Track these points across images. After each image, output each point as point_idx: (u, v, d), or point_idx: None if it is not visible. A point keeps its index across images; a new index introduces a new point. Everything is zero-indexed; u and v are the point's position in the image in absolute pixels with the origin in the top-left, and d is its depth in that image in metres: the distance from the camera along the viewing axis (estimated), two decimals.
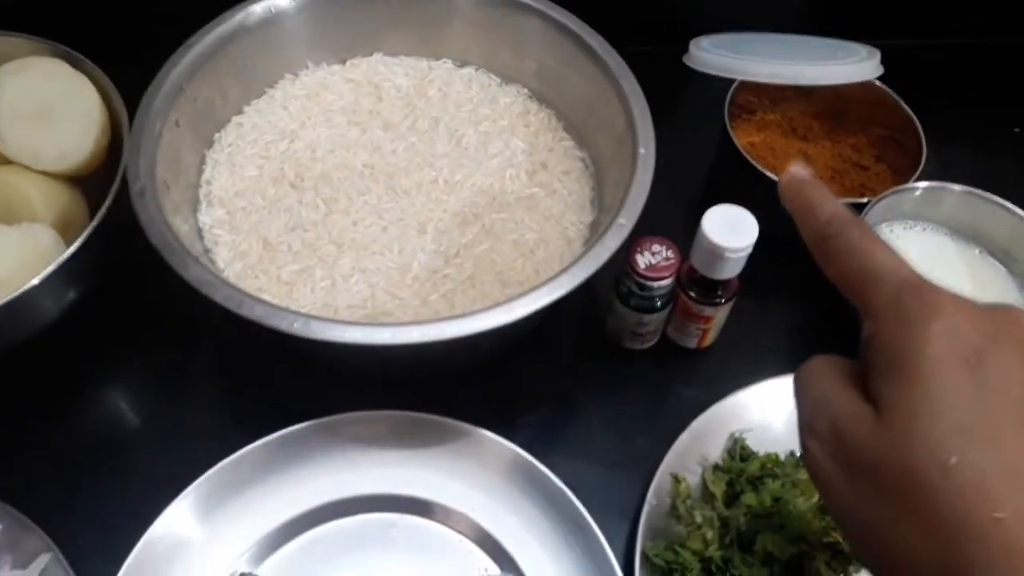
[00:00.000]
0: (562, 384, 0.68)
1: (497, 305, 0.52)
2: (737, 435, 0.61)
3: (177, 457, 0.58)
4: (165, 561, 0.54)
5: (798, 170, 0.37)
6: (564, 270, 0.54)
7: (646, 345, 0.68)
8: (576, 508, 0.56)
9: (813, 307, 0.73)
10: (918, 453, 0.28)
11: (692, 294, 0.63)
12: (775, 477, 0.58)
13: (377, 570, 0.56)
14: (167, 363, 0.67)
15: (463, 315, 0.51)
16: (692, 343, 0.68)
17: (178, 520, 0.55)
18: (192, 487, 0.55)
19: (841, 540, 0.55)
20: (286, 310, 0.51)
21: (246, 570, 0.55)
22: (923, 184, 0.68)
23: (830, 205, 0.35)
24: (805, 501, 0.55)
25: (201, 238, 0.63)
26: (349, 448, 0.59)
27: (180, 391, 0.65)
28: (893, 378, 0.30)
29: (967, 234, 0.71)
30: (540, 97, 0.72)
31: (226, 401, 0.66)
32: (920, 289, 0.31)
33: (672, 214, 0.65)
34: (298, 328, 0.50)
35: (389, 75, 0.73)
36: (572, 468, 0.61)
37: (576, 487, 0.58)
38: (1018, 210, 0.67)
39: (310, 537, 0.57)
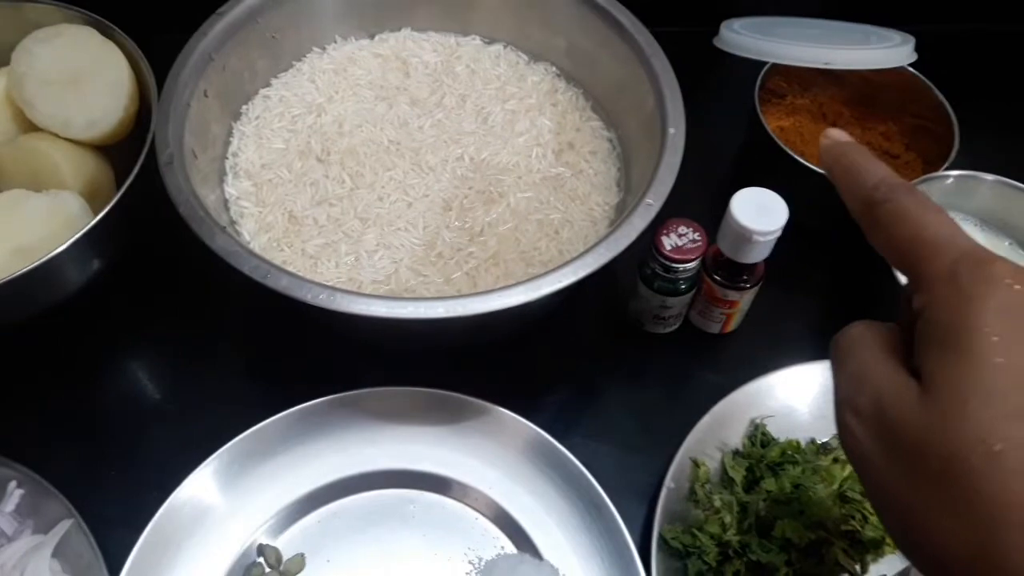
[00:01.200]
0: (583, 366, 0.68)
1: (521, 283, 0.51)
2: (758, 421, 0.61)
3: (199, 427, 0.58)
4: (185, 529, 0.54)
5: (839, 133, 0.36)
6: (589, 249, 0.53)
7: (668, 329, 0.67)
8: (594, 489, 0.56)
9: (838, 297, 0.72)
10: (965, 436, 0.27)
11: (717, 278, 0.63)
12: (795, 464, 0.57)
13: (394, 545, 0.56)
14: (191, 334, 0.67)
15: (487, 292, 0.51)
16: (715, 328, 0.67)
17: (199, 489, 0.55)
18: (214, 457, 0.56)
19: (860, 528, 0.55)
20: (311, 282, 0.51)
21: (264, 541, 0.56)
22: (954, 173, 0.67)
23: (877, 169, 0.33)
24: (825, 488, 0.55)
25: (227, 210, 0.63)
26: (369, 423, 0.59)
27: (203, 362, 0.66)
28: (944, 354, 0.28)
29: (997, 225, 0.70)
30: (568, 76, 0.72)
31: (248, 373, 0.66)
32: (979, 260, 0.29)
33: (699, 197, 0.64)
34: (323, 300, 0.50)
35: (417, 51, 0.72)
36: (591, 450, 0.61)
37: (594, 468, 0.57)
38: None
39: (328, 511, 0.57)
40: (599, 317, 0.70)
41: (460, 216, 0.62)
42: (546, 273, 0.52)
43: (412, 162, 0.65)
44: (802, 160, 0.69)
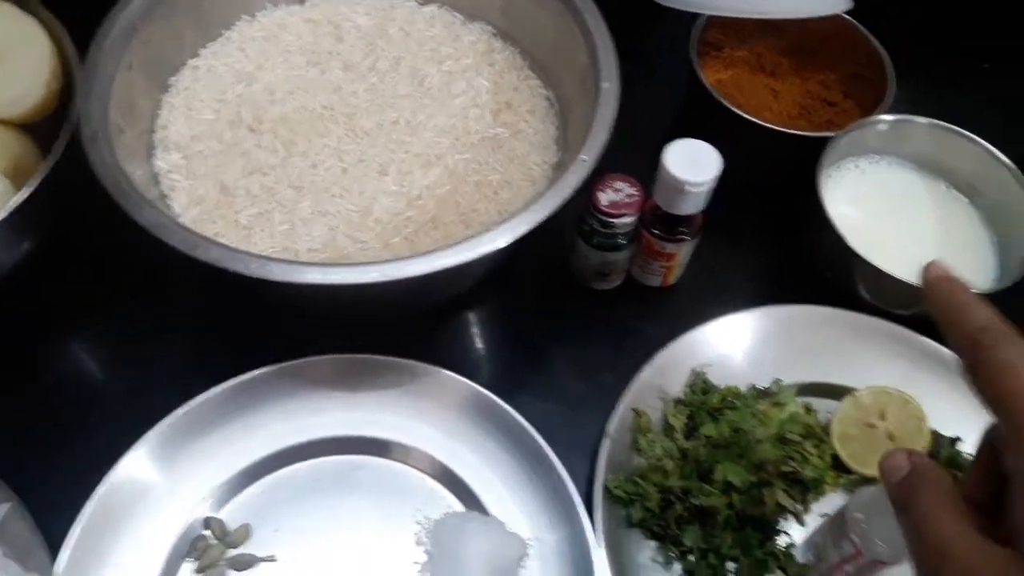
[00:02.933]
0: (527, 325, 0.68)
1: (457, 244, 0.51)
2: (698, 369, 0.62)
3: (138, 405, 0.58)
4: (127, 507, 0.54)
5: (943, 267, 0.35)
6: (525, 208, 0.53)
7: (611, 285, 0.68)
8: (538, 444, 0.57)
9: (774, 246, 0.73)
10: None
11: (656, 231, 0.63)
12: (735, 409, 0.58)
13: (341, 511, 0.57)
14: (128, 313, 0.66)
15: (423, 254, 0.51)
16: (656, 281, 0.68)
17: (137, 467, 0.55)
18: (150, 434, 0.55)
19: (800, 469, 0.56)
20: (243, 252, 0.51)
21: (209, 514, 0.56)
22: (888, 117, 0.68)
23: (983, 311, 0.32)
24: (764, 431, 0.56)
25: (157, 184, 0.62)
26: (311, 392, 0.59)
27: (142, 340, 0.65)
28: None
29: (933, 168, 0.71)
30: (505, 35, 0.71)
31: (188, 348, 0.66)
32: None
33: (638, 153, 0.64)
34: (255, 270, 0.50)
35: (349, 14, 0.71)
36: (536, 407, 0.61)
37: (539, 425, 0.58)
38: (983, 143, 0.67)
39: (273, 480, 0.57)
40: (542, 276, 0.70)
41: (397, 180, 0.62)
42: (481, 233, 0.52)
43: (346, 128, 0.64)
44: (740, 112, 0.69)
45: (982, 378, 0.30)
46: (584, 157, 0.55)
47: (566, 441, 0.59)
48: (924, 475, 0.32)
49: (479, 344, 0.68)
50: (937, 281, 0.34)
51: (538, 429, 0.58)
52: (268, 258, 0.50)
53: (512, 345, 0.68)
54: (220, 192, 0.61)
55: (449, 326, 0.67)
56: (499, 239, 0.52)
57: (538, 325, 0.68)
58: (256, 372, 0.58)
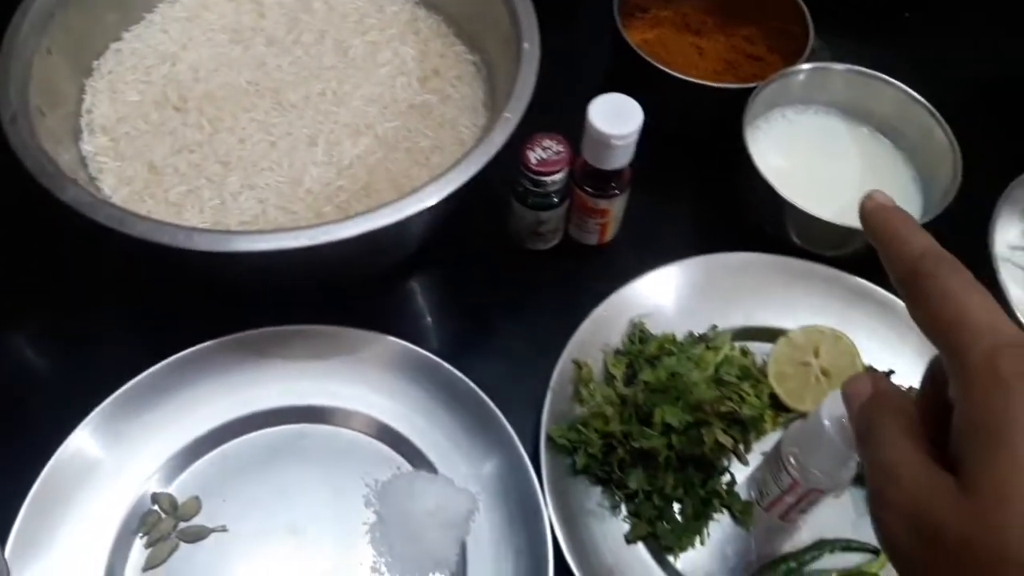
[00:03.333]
0: (469, 290, 0.69)
1: (385, 205, 0.52)
2: (636, 320, 0.63)
3: (80, 387, 0.58)
4: (73, 487, 0.54)
5: (881, 196, 0.34)
6: (452, 167, 0.54)
7: (548, 245, 0.69)
8: (483, 402, 0.57)
9: (704, 199, 0.74)
10: (1009, 538, 0.25)
11: (588, 189, 0.64)
12: (672, 355, 0.59)
13: (290, 478, 0.57)
14: (64, 295, 0.65)
15: (350, 217, 0.51)
16: (593, 239, 0.68)
17: (83, 446, 0.55)
18: (95, 413, 0.55)
19: (738, 409, 0.57)
20: (169, 224, 0.50)
21: (157, 490, 0.56)
22: (807, 66, 0.70)
23: (922, 238, 0.31)
24: (700, 373, 0.57)
25: (85, 167, 0.61)
26: (254, 364, 0.59)
27: (83, 322, 0.64)
28: (983, 450, 0.27)
29: (856, 114, 0.72)
30: (428, 3, 0.71)
31: (128, 328, 0.65)
32: (1022, 352, 0.27)
33: (569, 114, 0.65)
34: (182, 241, 0.50)
35: None
36: (481, 368, 0.62)
37: (485, 385, 0.59)
38: (900, 85, 0.69)
39: (220, 453, 0.57)
40: (483, 242, 0.70)
41: (327, 151, 0.62)
42: (409, 195, 0.52)
43: (272, 102, 0.64)
44: (667, 70, 0.70)
45: (922, 307, 0.30)
46: (508, 115, 0.56)
47: (511, 398, 0.59)
48: (884, 402, 0.31)
49: (423, 311, 0.68)
50: (875, 210, 0.34)
51: (483, 389, 0.58)
52: (194, 228, 0.50)
53: (455, 310, 0.68)
54: (148, 171, 0.61)
55: (393, 295, 0.67)
56: (427, 199, 0.52)
57: (480, 289, 0.69)
58: (198, 347, 0.58)
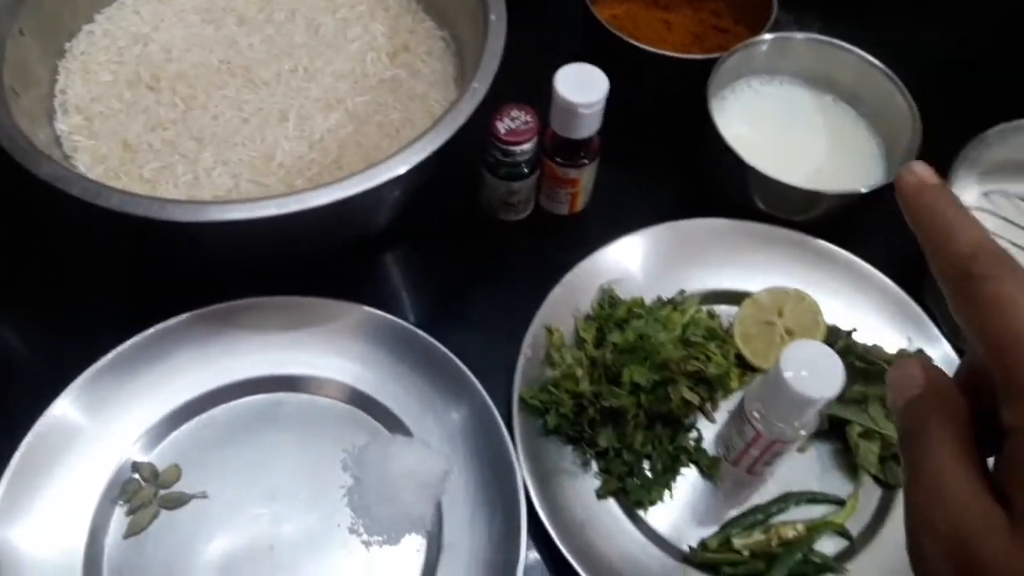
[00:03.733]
0: (443, 261, 0.70)
1: (354, 175, 0.53)
2: (606, 286, 0.64)
3: (63, 357, 0.58)
4: (54, 456, 0.55)
5: (923, 170, 0.29)
6: (420, 137, 0.55)
7: (520, 216, 0.70)
8: (457, 367, 0.59)
9: (672, 169, 0.76)
10: None
11: (557, 159, 0.65)
12: (640, 318, 0.61)
13: (268, 445, 0.58)
14: (48, 271, 0.66)
15: (320, 186, 0.52)
16: (564, 209, 0.70)
17: (64, 416, 0.56)
18: (76, 382, 0.56)
19: (704, 367, 0.58)
20: (142, 196, 0.52)
21: (138, 458, 0.57)
22: (768, 36, 0.71)
23: (973, 230, 0.27)
24: (667, 334, 0.59)
25: (60, 146, 0.62)
26: (232, 335, 0.60)
27: (62, 295, 0.65)
28: None
29: (820, 82, 0.74)
30: None
31: (109, 300, 0.66)
32: None
33: (539, 87, 0.66)
34: (155, 212, 0.51)
35: None
36: (455, 335, 0.63)
37: (459, 352, 0.60)
38: (860, 52, 0.70)
39: (199, 423, 0.59)
40: (456, 214, 0.71)
41: (298, 126, 0.63)
42: (378, 163, 0.54)
43: (244, 79, 0.65)
44: (635, 43, 0.71)
45: (973, 314, 0.26)
46: (476, 85, 0.57)
47: (486, 364, 0.60)
48: (939, 402, 0.27)
49: (399, 282, 0.69)
50: (916, 191, 0.28)
51: (458, 356, 0.59)
52: (167, 200, 0.51)
53: (430, 280, 0.70)
54: (123, 149, 0.62)
55: (368, 267, 0.69)
56: (396, 168, 0.53)
57: (454, 260, 0.70)
58: (177, 319, 0.59)
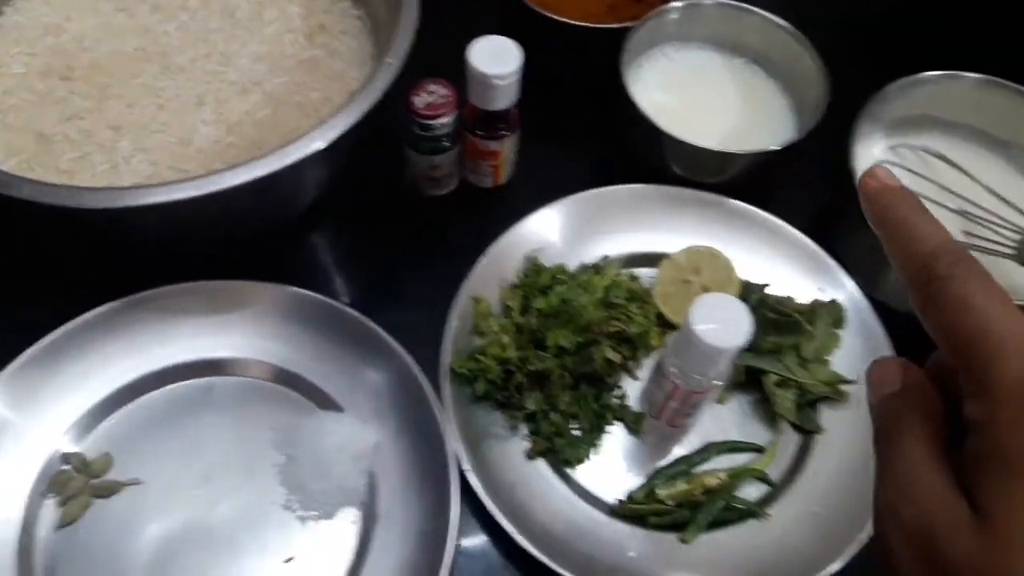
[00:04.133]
0: (371, 238, 0.71)
1: (270, 153, 0.53)
2: (530, 254, 0.66)
3: None
4: None
5: (884, 175, 0.30)
6: (335, 113, 0.56)
7: (445, 190, 0.71)
8: (386, 342, 0.60)
9: (599, 140, 0.77)
10: None
11: (478, 132, 0.66)
12: (563, 283, 0.62)
13: (200, 429, 0.59)
14: None
15: (235, 166, 0.52)
16: (488, 182, 0.71)
17: None
18: (2, 375, 0.56)
19: (625, 327, 0.60)
20: (55, 184, 0.51)
21: (69, 449, 0.57)
22: (678, 4, 0.72)
23: (934, 231, 0.28)
24: (588, 297, 0.60)
25: None
26: (159, 322, 0.61)
27: None
28: (1007, 487, 0.24)
29: (732, 47, 0.76)
30: None
31: (34, 291, 0.66)
32: None
33: (458, 64, 0.67)
34: (69, 200, 0.51)
35: None
36: (386, 311, 0.64)
37: (390, 327, 0.61)
38: (766, 14, 0.72)
39: (129, 410, 0.59)
40: (382, 190, 0.72)
41: (215, 110, 0.63)
42: (294, 141, 0.54)
43: (160, 66, 0.65)
44: (550, 15, 0.72)
45: (935, 315, 0.27)
46: (390, 60, 0.58)
47: (416, 338, 0.61)
48: (914, 400, 0.28)
49: (329, 261, 0.70)
50: (878, 193, 0.30)
51: (389, 331, 0.60)
52: (79, 188, 0.51)
53: (359, 258, 0.70)
54: (37, 141, 0.61)
55: (298, 248, 0.69)
56: (311, 145, 0.54)
57: (383, 237, 0.71)
58: (103, 307, 0.59)
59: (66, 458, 0.57)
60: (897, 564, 0.27)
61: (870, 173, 0.30)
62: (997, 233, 0.64)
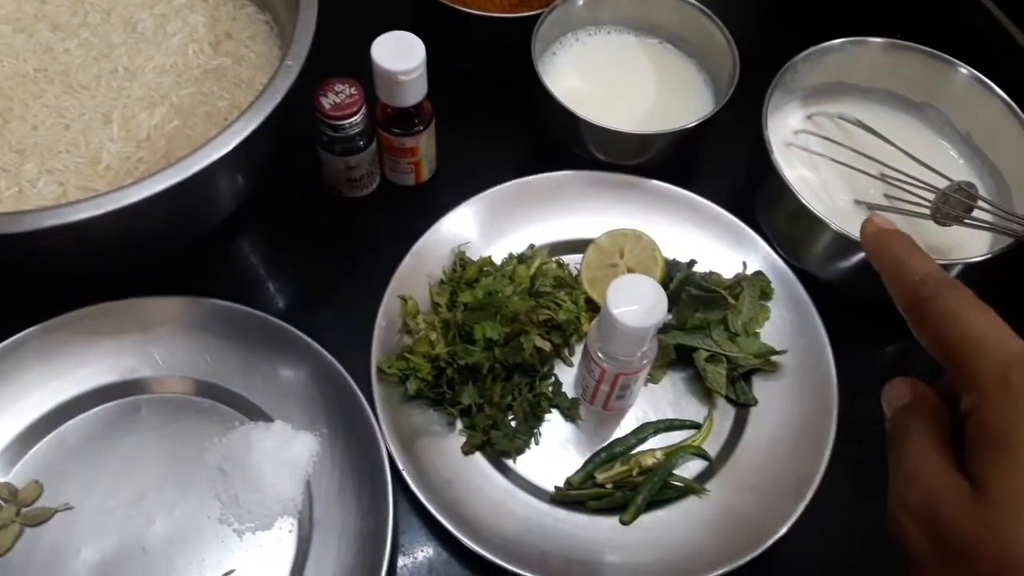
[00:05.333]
0: (294, 243, 0.70)
1: (174, 164, 0.52)
2: (456, 249, 0.65)
3: None
4: None
5: (881, 220, 0.36)
6: (237, 118, 0.55)
7: (367, 191, 0.70)
8: (311, 347, 0.59)
9: (519, 129, 0.77)
10: (1017, 543, 0.27)
11: (393, 130, 0.66)
12: (489, 275, 0.62)
13: (130, 450, 0.58)
14: None
15: (139, 180, 0.52)
16: (410, 180, 0.70)
17: None
18: None
19: (554, 316, 0.60)
20: None
21: None
22: None
23: (922, 262, 0.33)
24: (514, 287, 0.60)
25: None
26: (80, 344, 0.60)
27: None
28: (996, 458, 0.28)
29: (645, 28, 0.76)
30: None
31: None
32: None
33: (365, 60, 0.66)
34: None
35: None
36: (313, 317, 0.64)
37: (318, 332, 0.60)
38: None
39: (55, 437, 0.58)
40: (303, 196, 0.71)
41: (123, 126, 0.62)
42: (197, 150, 0.53)
43: (63, 86, 0.64)
44: (459, 7, 0.72)
45: (926, 329, 0.31)
46: (289, 62, 0.57)
47: (345, 341, 0.61)
48: (919, 409, 0.32)
49: (254, 270, 0.69)
50: (875, 235, 0.35)
51: (317, 337, 0.60)
52: None
53: (284, 266, 0.70)
54: None
55: (221, 258, 0.68)
56: (215, 152, 0.53)
57: (306, 242, 0.70)
58: (22, 333, 0.58)
59: None
60: (907, 543, 0.30)
61: (869, 220, 0.36)
62: (914, 195, 0.65)
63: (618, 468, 0.58)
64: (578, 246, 0.67)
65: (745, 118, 0.67)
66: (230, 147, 0.54)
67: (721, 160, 0.74)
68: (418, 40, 0.61)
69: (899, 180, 0.66)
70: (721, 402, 0.62)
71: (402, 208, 0.71)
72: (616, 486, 0.58)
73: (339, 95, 0.62)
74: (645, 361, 0.55)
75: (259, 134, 0.55)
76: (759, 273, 0.65)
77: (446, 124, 0.69)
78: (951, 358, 0.30)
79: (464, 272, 0.63)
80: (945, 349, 0.31)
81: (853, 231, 0.60)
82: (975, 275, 0.62)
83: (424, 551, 0.57)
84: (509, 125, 0.77)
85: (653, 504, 0.58)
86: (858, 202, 0.68)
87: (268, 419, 0.59)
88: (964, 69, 0.68)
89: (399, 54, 0.60)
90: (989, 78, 0.68)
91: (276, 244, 0.71)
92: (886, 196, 0.68)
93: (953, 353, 0.30)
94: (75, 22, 0.67)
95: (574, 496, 0.57)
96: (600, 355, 0.55)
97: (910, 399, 0.33)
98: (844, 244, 0.61)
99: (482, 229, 0.67)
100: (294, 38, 0.59)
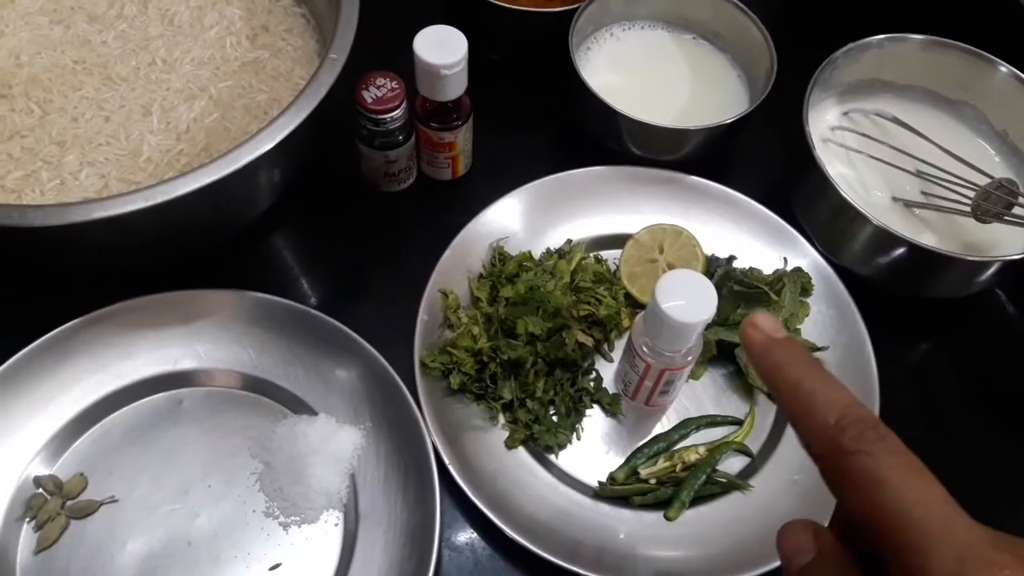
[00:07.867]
0: (334, 239, 0.70)
1: (220, 157, 0.52)
2: (495, 244, 0.65)
3: None
4: None
5: (767, 323, 0.28)
6: (282, 113, 0.55)
7: (404, 185, 0.70)
8: (355, 341, 0.59)
9: (556, 124, 0.77)
10: None
11: (432, 124, 0.66)
12: (529, 270, 0.62)
13: (173, 443, 0.58)
14: None
15: (185, 173, 0.51)
16: (447, 174, 0.70)
17: None
18: None
19: (595, 311, 0.60)
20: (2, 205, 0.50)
21: (39, 473, 0.56)
22: None
23: (837, 394, 0.26)
24: (556, 282, 0.60)
25: None
26: (123, 337, 0.59)
27: None
28: None
29: (679, 23, 0.76)
30: None
31: None
32: (986, 561, 0.23)
33: (407, 54, 0.66)
34: (15, 219, 0.49)
35: None
36: (353, 311, 0.63)
37: (360, 326, 0.60)
38: None
39: (100, 428, 0.58)
40: (341, 190, 0.71)
41: (162, 118, 0.62)
42: (242, 144, 0.53)
43: (102, 78, 0.63)
44: (494, 1, 0.71)
45: (850, 490, 0.25)
46: (333, 56, 0.57)
47: (387, 335, 0.61)
48: (829, 569, 0.26)
49: (292, 264, 0.69)
50: (764, 349, 0.27)
51: (358, 330, 0.60)
52: (26, 206, 0.50)
53: (324, 260, 0.70)
54: None
55: (261, 252, 0.68)
56: (261, 146, 0.53)
57: (345, 237, 0.70)
58: (65, 326, 0.58)
59: (38, 481, 0.55)
60: None
61: (751, 323, 0.28)
62: (954, 192, 0.65)
63: (662, 464, 0.58)
64: (616, 241, 0.67)
65: (778, 114, 0.67)
66: (276, 140, 0.53)
67: (755, 155, 0.73)
68: (460, 34, 0.61)
69: (937, 177, 0.66)
70: (762, 398, 0.62)
71: (439, 202, 0.71)
72: (660, 482, 0.58)
73: (381, 89, 0.61)
74: (690, 358, 0.55)
75: (303, 129, 0.55)
76: (799, 269, 0.65)
77: (482, 118, 0.68)
78: (884, 538, 0.24)
79: (504, 267, 0.63)
80: (875, 524, 0.24)
81: (894, 227, 0.60)
82: (1012, 273, 0.62)
83: (468, 546, 0.57)
84: (542, 120, 0.77)
85: (696, 500, 0.58)
86: (895, 199, 0.68)
87: (312, 413, 0.58)
88: (1003, 67, 0.68)
89: (441, 48, 0.60)
90: None
91: (313, 237, 0.70)
92: (923, 193, 0.68)
93: (888, 533, 0.24)
94: (112, 14, 0.67)
95: (618, 491, 0.57)
96: (645, 350, 0.55)
97: (814, 555, 0.26)
98: (885, 240, 0.61)
99: (520, 224, 0.67)
100: (336, 32, 0.58)
